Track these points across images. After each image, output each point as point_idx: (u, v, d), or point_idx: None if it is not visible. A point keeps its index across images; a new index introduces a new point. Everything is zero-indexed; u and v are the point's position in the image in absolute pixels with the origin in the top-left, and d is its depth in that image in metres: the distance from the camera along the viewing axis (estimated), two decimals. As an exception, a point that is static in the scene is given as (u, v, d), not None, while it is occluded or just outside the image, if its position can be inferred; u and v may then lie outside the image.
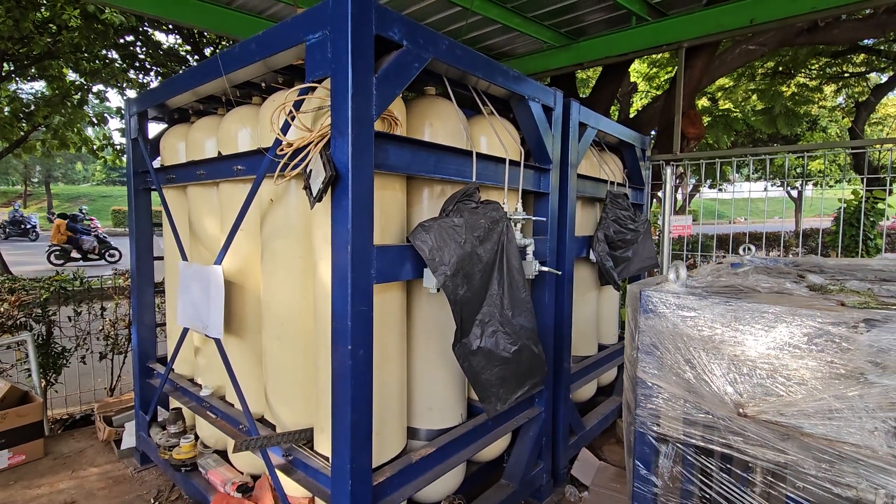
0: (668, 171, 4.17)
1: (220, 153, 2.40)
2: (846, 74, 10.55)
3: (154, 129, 3.14)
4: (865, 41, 8.91)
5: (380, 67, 1.68)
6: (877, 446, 0.90)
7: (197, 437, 2.76)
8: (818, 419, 0.96)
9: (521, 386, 2.16)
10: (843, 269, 1.89)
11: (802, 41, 5.67)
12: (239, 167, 2.19)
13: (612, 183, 3.42)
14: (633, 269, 3.40)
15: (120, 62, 9.73)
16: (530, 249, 2.37)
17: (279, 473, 2.03)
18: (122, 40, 9.47)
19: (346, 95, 1.54)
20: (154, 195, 3.08)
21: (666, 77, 9.67)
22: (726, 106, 11.46)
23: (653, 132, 5.64)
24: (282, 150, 1.69)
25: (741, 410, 1.04)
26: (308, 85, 1.67)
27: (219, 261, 2.19)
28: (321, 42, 1.63)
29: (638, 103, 11.73)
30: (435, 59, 1.90)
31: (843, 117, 13.53)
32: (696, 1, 4.14)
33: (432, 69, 2.07)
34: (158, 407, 3.11)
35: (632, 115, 6.06)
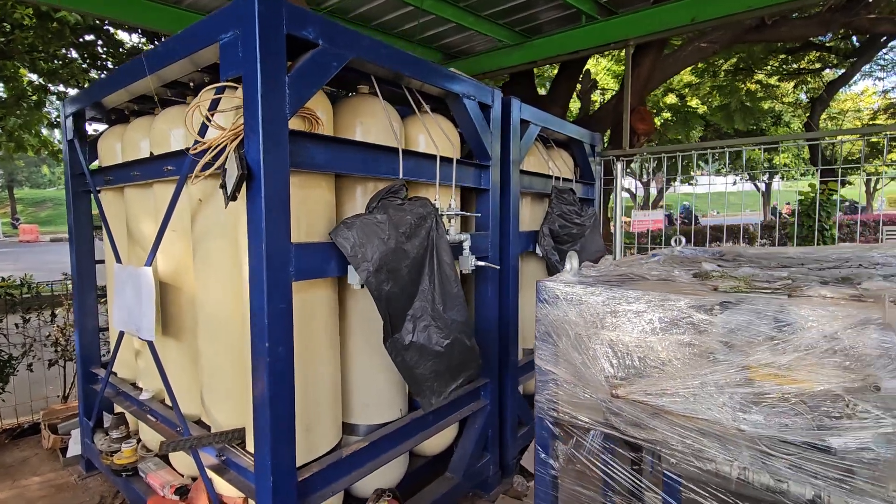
0: (619, 166, 4.27)
1: (152, 154, 2.37)
2: (802, 71, 10.92)
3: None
4: (820, 38, 9.24)
5: (294, 67, 1.69)
6: (725, 420, 0.96)
7: (140, 442, 2.73)
8: (678, 398, 1.01)
9: (456, 379, 2.19)
10: (757, 257, 1.97)
11: (752, 38, 5.86)
12: (169, 167, 2.18)
13: (559, 178, 3.49)
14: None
15: (80, 62, 9.47)
16: (466, 244, 2.40)
17: (213, 474, 2.03)
18: (81, 39, 9.22)
19: (256, 94, 1.55)
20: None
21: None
22: (693, 102, 11.74)
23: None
24: (195, 149, 1.68)
25: (614, 392, 1.09)
26: (221, 84, 1.67)
27: (149, 262, 2.17)
28: (233, 41, 1.64)
29: (601, 100, 11.95)
30: (358, 59, 1.92)
31: (805, 113, 13.98)
32: (644, 0, 4.24)
33: (361, 69, 2.09)
34: (106, 413, 3.07)
35: (591, 112, 6.17)
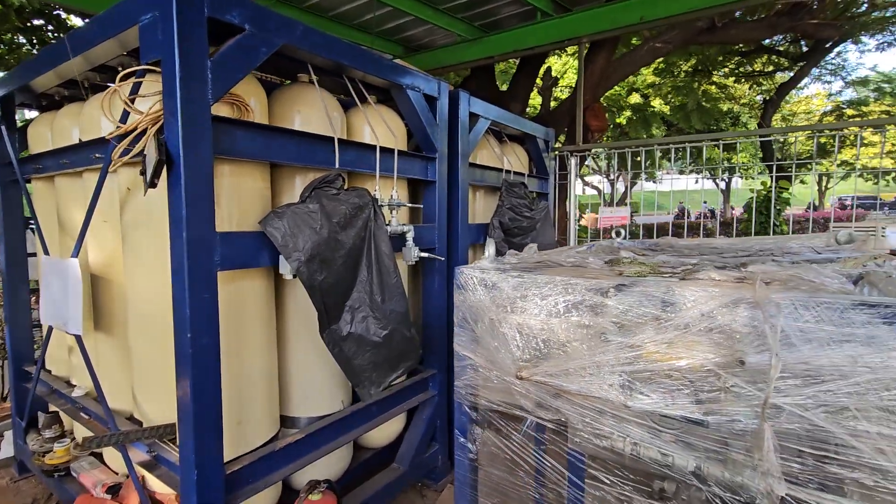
0: (573, 161, 4.35)
1: (80, 141, 2.28)
2: (755, 74, 11.37)
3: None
4: (771, 42, 9.63)
5: (217, 51, 1.65)
6: (614, 398, 0.99)
7: (73, 441, 2.64)
8: (577, 378, 1.04)
9: (395, 369, 2.20)
10: (683, 248, 2.04)
11: (704, 40, 6.04)
12: (97, 155, 2.10)
13: (510, 172, 3.53)
14: (534, 256, 3.53)
15: (29, 47, 9.01)
16: (410, 236, 2.41)
17: (143, 471, 1.98)
18: (29, 24, 8.76)
19: (175, 78, 1.51)
20: (28, 187, 2.89)
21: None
22: (656, 102, 12.07)
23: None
24: (112, 134, 1.63)
25: (519, 374, 1.12)
26: (141, 68, 1.62)
27: (75, 253, 2.08)
28: (152, 23, 1.59)
29: (562, 96, 12.14)
30: (290, 46, 1.89)
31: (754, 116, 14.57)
32: (597, -1, 4.33)
33: (295, 56, 2.06)
34: (42, 413, 2.94)
35: (551, 109, 6.26)
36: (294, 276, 1.85)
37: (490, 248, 1.44)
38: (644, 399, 0.95)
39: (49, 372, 2.85)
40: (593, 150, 4.23)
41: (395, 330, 2.15)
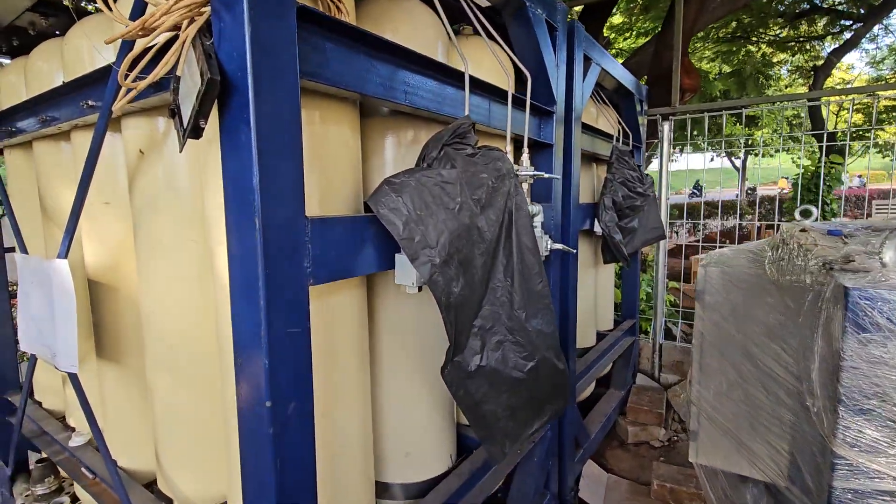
0: (666, 126, 3.60)
1: (63, 83, 1.55)
2: (801, 39, 10.44)
3: None
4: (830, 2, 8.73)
5: None
6: None
7: (76, 500, 1.97)
8: None
9: (540, 416, 1.51)
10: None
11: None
12: (90, 102, 1.37)
13: (617, 139, 2.80)
14: (638, 243, 2.82)
15: None
16: (538, 220, 1.69)
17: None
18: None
19: (234, -79, 0.78)
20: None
21: (643, 27, 8.85)
22: (704, 66, 11.04)
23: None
24: (111, 40, 0.90)
25: None
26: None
27: (63, 252, 1.37)
28: None
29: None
30: None
31: (808, 80, 13.62)
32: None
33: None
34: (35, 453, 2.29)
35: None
36: (419, 289, 1.15)
37: (892, 251, 0.71)
38: None
39: (39, 404, 2.17)
40: (702, 113, 3.48)
41: (542, 360, 1.45)
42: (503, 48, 1.66)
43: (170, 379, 1.38)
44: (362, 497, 1.37)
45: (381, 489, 1.57)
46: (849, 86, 16.37)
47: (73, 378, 1.42)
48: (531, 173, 1.55)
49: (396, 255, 1.16)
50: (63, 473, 2.09)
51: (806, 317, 0.78)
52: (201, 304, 1.34)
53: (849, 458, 0.65)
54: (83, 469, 1.75)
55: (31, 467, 2.24)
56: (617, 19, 8.79)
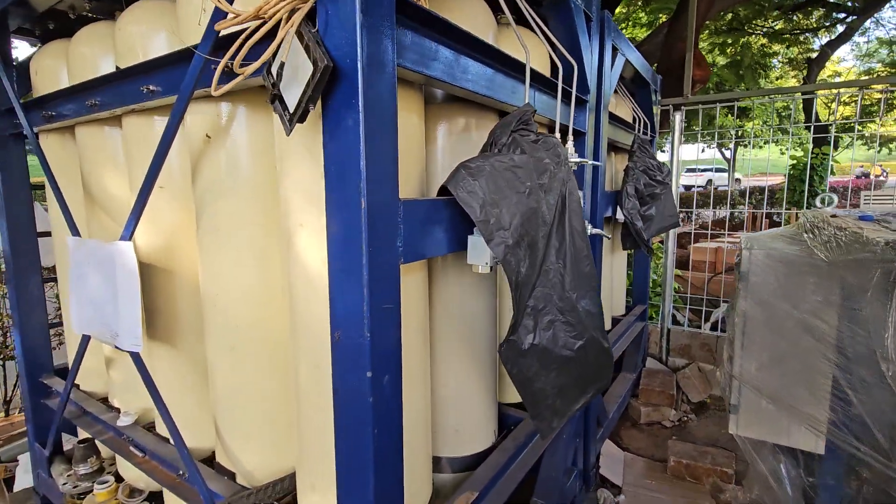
0: (678, 116, 3.68)
1: (118, 69, 1.56)
2: (796, 31, 10.56)
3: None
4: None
5: None
6: None
7: (120, 480, 2.01)
8: None
9: (585, 393, 1.58)
10: None
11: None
12: (151, 87, 1.39)
13: (637, 128, 2.86)
14: (654, 230, 2.90)
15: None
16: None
17: (247, 547, 1.37)
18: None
19: (349, -88, 0.82)
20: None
21: (639, 18, 8.85)
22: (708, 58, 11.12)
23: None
24: (224, 25, 0.93)
25: None
26: None
27: (127, 234, 1.41)
28: None
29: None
30: None
31: (795, 76, 13.81)
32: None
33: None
34: (65, 434, 2.32)
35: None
36: (491, 268, 1.20)
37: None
38: None
39: (77, 387, 2.19)
40: (715, 104, 3.55)
41: (590, 339, 1.52)
42: (541, 38, 1.70)
43: (232, 357, 1.43)
44: (424, 470, 1.43)
45: (433, 464, 1.63)
46: (837, 79, 16.62)
47: (136, 357, 1.46)
48: (577, 160, 1.60)
49: (469, 237, 1.22)
50: (103, 451, 2.13)
51: (875, 290, 0.85)
52: (265, 285, 1.38)
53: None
54: (132, 448, 1.80)
55: (66, 449, 2.28)
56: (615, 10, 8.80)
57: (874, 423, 0.84)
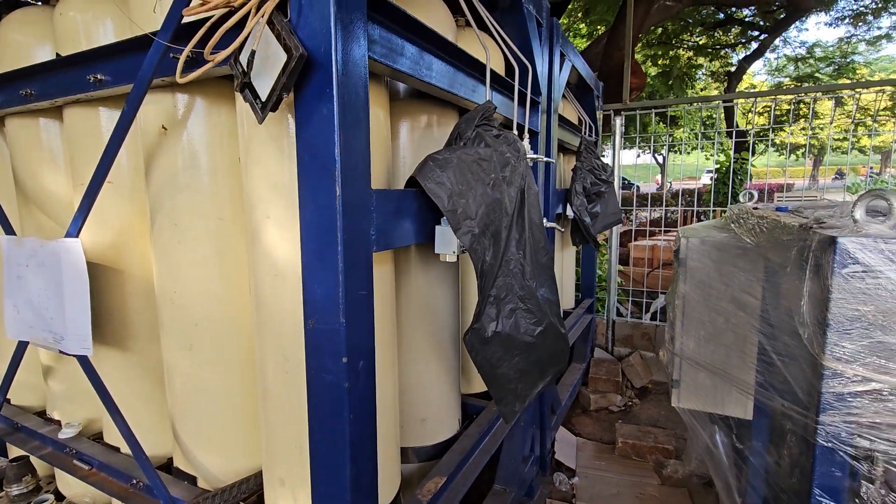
0: (618, 121, 3.91)
1: (58, 56, 1.48)
2: (717, 47, 11.51)
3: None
4: (744, 12, 9.67)
5: None
6: None
7: (61, 498, 1.88)
8: None
9: (544, 376, 1.66)
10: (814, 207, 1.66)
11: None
12: (100, 76, 1.33)
13: (582, 131, 3.02)
14: (600, 226, 3.08)
15: None
16: (534, 201, 1.84)
17: (212, 550, 1.33)
18: None
19: None
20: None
21: (579, 29, 9.33)
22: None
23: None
24: (193, 11, 0.92)
25: None
26: None
27: (74, 231, 1.33)
28: None
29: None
30: None
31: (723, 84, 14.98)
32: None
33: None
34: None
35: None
36: (458, 256, 1.25)
37: (861, 210, 0.92)
38: None
39: (8, 402, 2.02)
40: (648, 110, 3.80)
41: (549, 325, 1.60)
42: (498, 40, 1.78)
43: (191, 357, 1.38)
44: (393, 459, 1.46)
45: (403, 455, 1.66)
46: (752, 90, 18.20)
47: (85, 362, 1.38)
48: (533, 156, 1.69)
49: (437, 227, 1.26)
50: (42, 471, 1.97)
51: (793, 266, 0.98)
52: (227, 281, 1.35)
53: (835, 368, 0.85)
54: (76, 462, 1.69)
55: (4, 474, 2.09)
56: (557, 21, 9.25)
57: (794, 380, 0.97)
